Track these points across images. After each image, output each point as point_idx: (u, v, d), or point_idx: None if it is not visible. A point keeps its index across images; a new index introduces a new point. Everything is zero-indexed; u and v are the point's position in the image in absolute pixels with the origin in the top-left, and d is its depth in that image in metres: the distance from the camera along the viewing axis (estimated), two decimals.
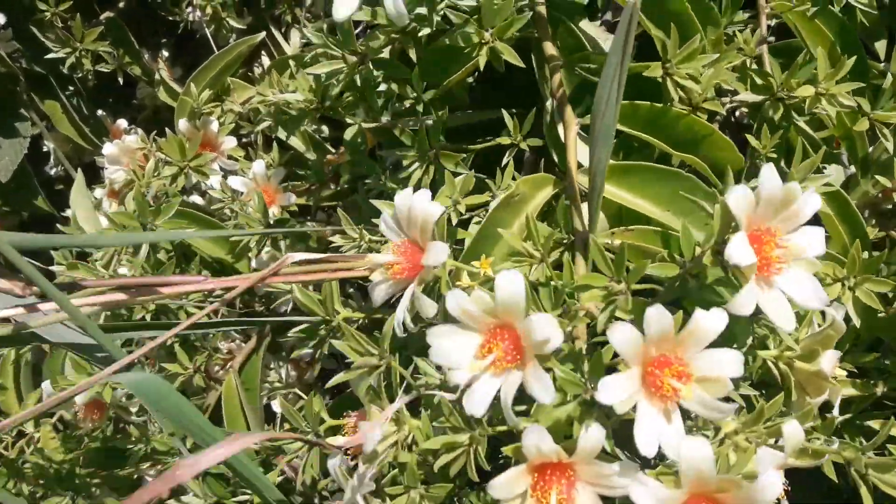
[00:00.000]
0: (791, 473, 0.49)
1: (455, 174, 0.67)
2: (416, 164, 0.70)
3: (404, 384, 0.51)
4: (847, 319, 0.61)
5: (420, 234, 0.52)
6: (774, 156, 0.66)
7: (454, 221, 0.66)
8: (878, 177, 0.72)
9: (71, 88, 1.16)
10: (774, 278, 0.45)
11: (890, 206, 0.77)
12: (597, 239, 0.55)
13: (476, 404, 0.44)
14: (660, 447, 0.41)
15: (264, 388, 0.90)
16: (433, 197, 0.65)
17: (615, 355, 0.43)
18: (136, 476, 0.98)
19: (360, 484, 0.49)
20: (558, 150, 0.69)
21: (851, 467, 0.49)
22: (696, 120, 0.66)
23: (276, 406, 0.94)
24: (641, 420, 0.41)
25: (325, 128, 0.94)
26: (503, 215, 0.62)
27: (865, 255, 0.63)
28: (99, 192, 0.93)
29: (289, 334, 0.59)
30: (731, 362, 0.41)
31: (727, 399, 0.47)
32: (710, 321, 0.41)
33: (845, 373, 0.61)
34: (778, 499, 0.48)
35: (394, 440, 0.51)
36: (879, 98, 0.69)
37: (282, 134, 0.80)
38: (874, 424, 0.67)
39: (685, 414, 0.44)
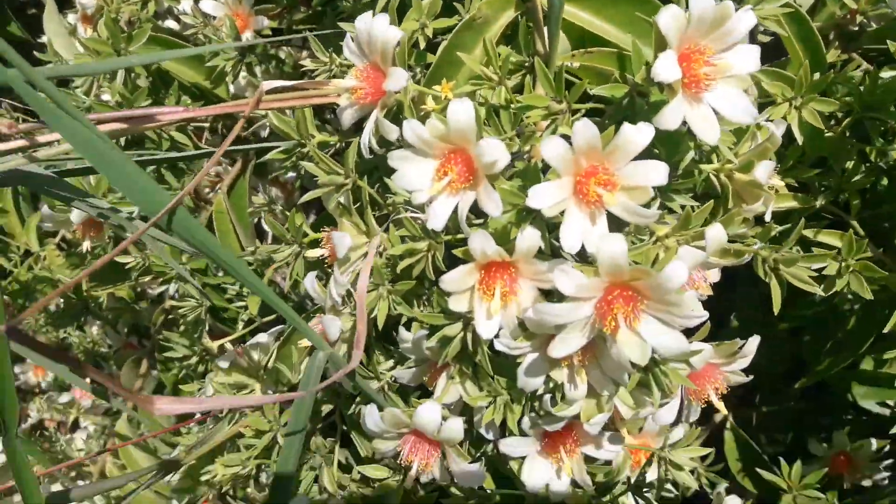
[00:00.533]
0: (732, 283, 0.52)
1: None
2: None
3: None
4: (792, 137, 0.64)
5: (381, 59, 0.54)
6: None
7: (422, 45, 0.67)
8: None
9: None
10: (703, 95, 0.48)
11: (855, 28, 0.79)
12: (551, 61, 0.57)
13: (435, 220, 0.50)
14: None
15: (253, 206, 0.95)
16: (401, 20, 0.66)
17: None
18: (138, 289, 1.06)
19: (336, 284, 0.55)
20: None
21: (765, 264, 0.55)
22: None
23: (266, 225, 1.00)
24: (568, 221, 0.46)
25: None
26: (465, 39, 0.63)
27: (817, 76, 0.66)
28: (72, 17, 0.93)
29: (266, 157, 0.62)
30: (655, 172, 0.45)
31: (663, 206, 0.51)
32: (635, 134, 0.44)
33: (784, 184, 0.65)
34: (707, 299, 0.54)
35: (365, 250, 0.56)
36: None
37: None
38: (809, 234, 0.73)
39: (624, 224, 0.49)
